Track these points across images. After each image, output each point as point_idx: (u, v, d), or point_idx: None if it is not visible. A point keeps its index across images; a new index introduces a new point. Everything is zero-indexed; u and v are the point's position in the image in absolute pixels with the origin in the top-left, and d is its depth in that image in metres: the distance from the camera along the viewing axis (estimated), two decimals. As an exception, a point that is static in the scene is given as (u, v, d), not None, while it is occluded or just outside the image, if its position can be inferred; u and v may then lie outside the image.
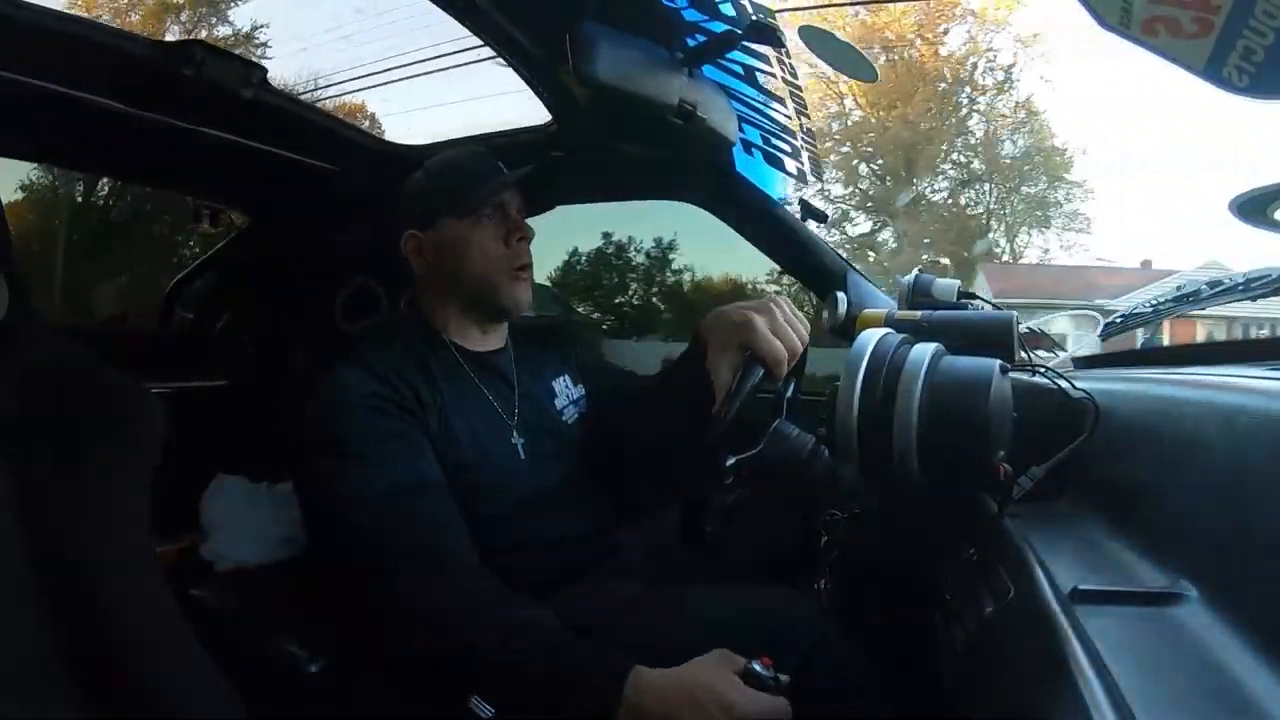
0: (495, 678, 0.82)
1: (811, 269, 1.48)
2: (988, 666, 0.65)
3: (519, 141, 1.41)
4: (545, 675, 0.80)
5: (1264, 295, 0.98)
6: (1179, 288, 1.15)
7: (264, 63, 1.24)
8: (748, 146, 1.44)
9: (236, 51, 1.22)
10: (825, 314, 1.25)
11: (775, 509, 0.92)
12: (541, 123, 1.37)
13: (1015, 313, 1.03)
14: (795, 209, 1.54)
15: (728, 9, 1.15)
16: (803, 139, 1.49)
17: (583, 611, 0.92)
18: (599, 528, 1.11)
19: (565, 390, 1.17)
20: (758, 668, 0.77)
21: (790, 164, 1.53)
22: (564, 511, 1.06)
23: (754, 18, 1.13)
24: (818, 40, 1.24)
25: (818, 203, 1.59)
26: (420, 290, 1.11)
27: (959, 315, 1.04)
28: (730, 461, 0.82)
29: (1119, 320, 1.23)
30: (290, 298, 1.42)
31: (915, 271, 1.21)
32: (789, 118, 1.43)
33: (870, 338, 0.76)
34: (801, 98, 1.41)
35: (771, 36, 1.14)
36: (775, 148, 1.49)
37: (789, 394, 0.93)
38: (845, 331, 1.20)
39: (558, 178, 1.28)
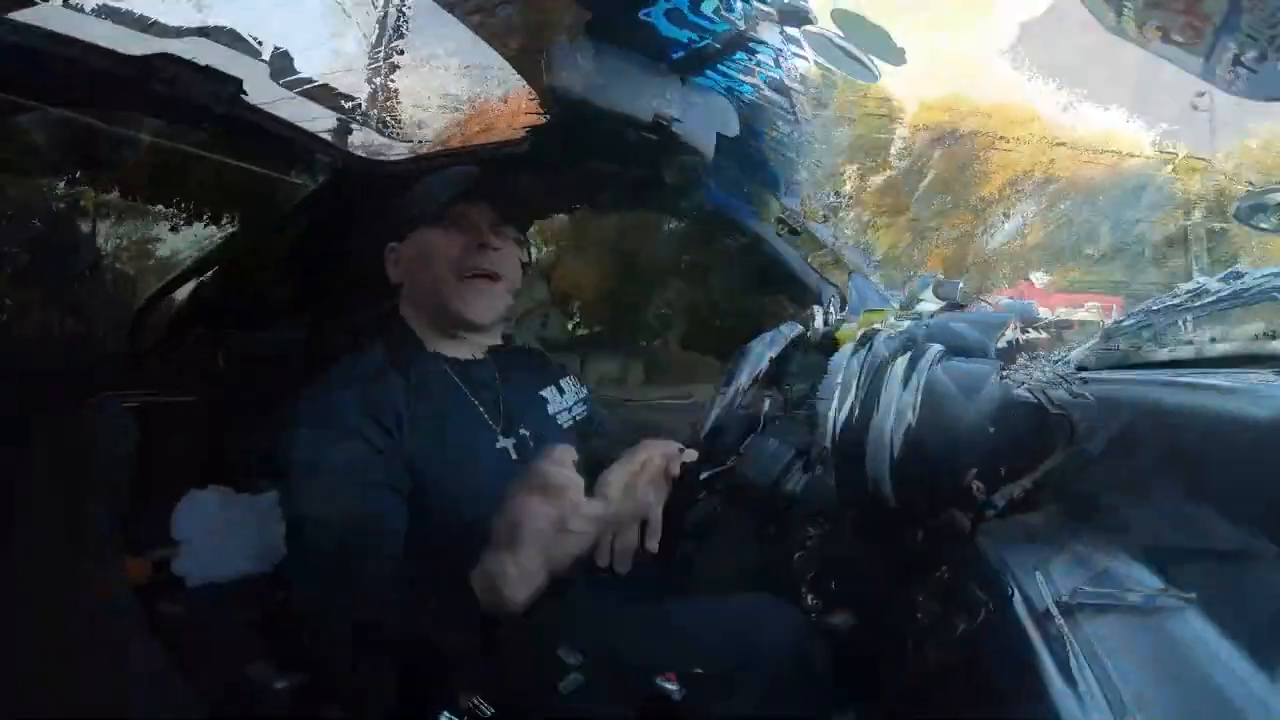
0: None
1: (787, 284, 1.49)
2: (962, 682, 0.65)
3: (498, 155, 1.41)
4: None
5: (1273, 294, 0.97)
6: (1188, 288, 1.15)
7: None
8: (746, 151, 1.43)
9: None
10: (806, 329, 1.26)
11: (749, 523, 0.92)
12: (518, 137, 1.37)
13: (1009, 316, 1.03)
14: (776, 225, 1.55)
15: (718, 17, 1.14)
16: (798, 148, 1.50)
17: (559, 624, 0.91)
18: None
19: (555, 400, 1.18)
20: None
21: (781, 178, 1.54)
22: None
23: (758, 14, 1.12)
24: (849, 24, 1.24)
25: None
26: (401, 302, 1.12)
27: (949, 325, 1.03)
28: (703, 476, 0.82)
29: (1125, 321, 1.23)
30: (264, 313, 1.41)
31: (920, 274, 1.22)
32: (788, 123, 1.43)
33: (843, 357, 0.77)
34: (792, 110, 1.41)
35: (805, 18, 1.14)
36: (773, 154, 1.49)
37: (766, 409, 0.93)
38: (825, 348, 1.20)
39: (533, 190, 1.28)
